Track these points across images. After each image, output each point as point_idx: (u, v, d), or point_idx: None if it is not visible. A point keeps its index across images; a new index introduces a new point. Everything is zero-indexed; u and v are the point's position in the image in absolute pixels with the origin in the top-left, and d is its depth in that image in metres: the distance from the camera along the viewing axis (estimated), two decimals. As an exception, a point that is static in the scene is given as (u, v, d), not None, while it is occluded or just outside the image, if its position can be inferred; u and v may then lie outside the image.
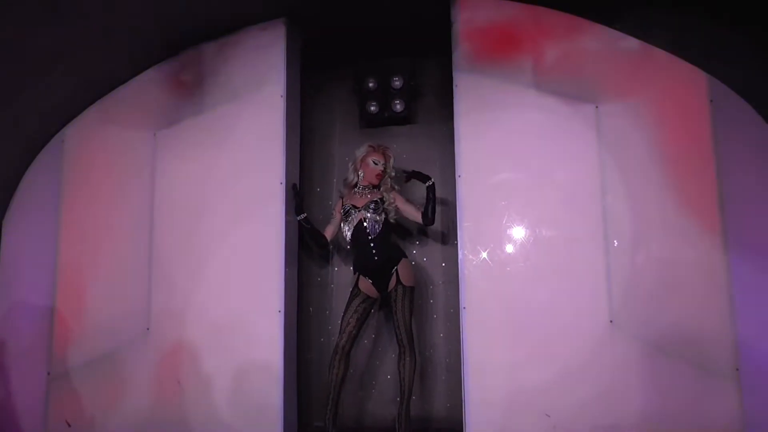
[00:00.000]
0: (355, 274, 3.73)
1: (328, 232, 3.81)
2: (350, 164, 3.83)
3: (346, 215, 3.72)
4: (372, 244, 3.62)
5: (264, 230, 3.62)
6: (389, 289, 3.62)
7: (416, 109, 4.26)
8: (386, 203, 3.69)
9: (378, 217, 3.64)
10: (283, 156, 3.65)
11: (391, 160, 3.81)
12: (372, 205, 3.66)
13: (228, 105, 3.77)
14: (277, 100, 3.68)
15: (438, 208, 3.97)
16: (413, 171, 3.68)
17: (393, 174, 3.82)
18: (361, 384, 4.07)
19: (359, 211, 3.67)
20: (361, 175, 3.77)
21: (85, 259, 3.82)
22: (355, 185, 3.81)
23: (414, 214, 3.69)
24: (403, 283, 3.58)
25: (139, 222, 3.80)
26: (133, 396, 3.63)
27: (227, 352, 3.57)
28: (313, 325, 4.16)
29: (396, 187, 3.82)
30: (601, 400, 3.18)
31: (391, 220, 3.71)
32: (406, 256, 3.68)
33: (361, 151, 3.79)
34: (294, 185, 3.73)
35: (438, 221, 3.97)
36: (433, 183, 3.61)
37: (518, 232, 3.42)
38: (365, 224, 3.64)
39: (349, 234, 3.69)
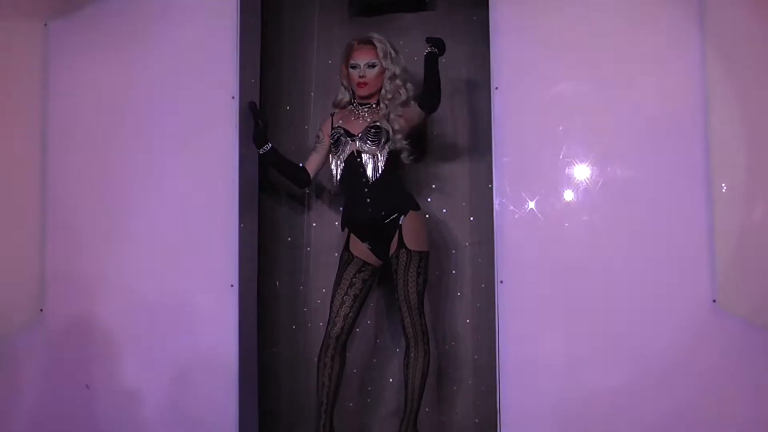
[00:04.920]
0: (343, 230, 3.74)
1: (312, 165, 3.81)
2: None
3: (336, 144, 3.70)
4: (367, 190, 3.63)
5: (209, 167, 3.63)
6: (391, 255, 3.63)
7: (434, -11, 4.20)
8: (391, 131, 3.63)
9: (380, 151, 3.62)
10: (236, 59, 3.63)
11: (385, 53, 3.66)
12: (372, 133, 3.63)
13: (155, -18, 3.77)
14: (227, -27, 3.65)
15: (465, 134, 3.93)
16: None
17: (397, 74, 3.67)
18: (351, 391, 4.08)
19: (353, 140, 3.65)
20: (347, 91, 3.78)
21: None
22: (350, 102, 3.79)
23: (417, 113, 3.63)
24: (408, 245, 3.58)
25: (25, 152, 3.77)
26: (19, 407, 3.63)
27: (158, 345, 3.60)
28: (281, 305, 4.18)
29: (410, 99, 3.70)
30: (696, 409, 3.22)
31: (405, 161, 3.68)
32: (416, 208, 3.67)
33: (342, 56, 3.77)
34: (253, 103, 3.72)
35: (465, 154, 4.04)
36: (436, 52, 3.52)
37: (581, 172, 3.42)
38: (361, 160, 3.63)
39: (339, 172, 3.69)
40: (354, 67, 3.68)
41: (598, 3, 3.45)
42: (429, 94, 3.54)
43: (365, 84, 3.67)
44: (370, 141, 3.63)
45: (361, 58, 3.67)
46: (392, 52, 3.70)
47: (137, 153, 3.70)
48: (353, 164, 3.64)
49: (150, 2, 3.75)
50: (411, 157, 3.69)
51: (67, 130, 3.79)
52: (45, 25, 3.84)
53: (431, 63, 3.51)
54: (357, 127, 3.68)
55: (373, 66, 3.66)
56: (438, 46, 3.53)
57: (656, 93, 3.38)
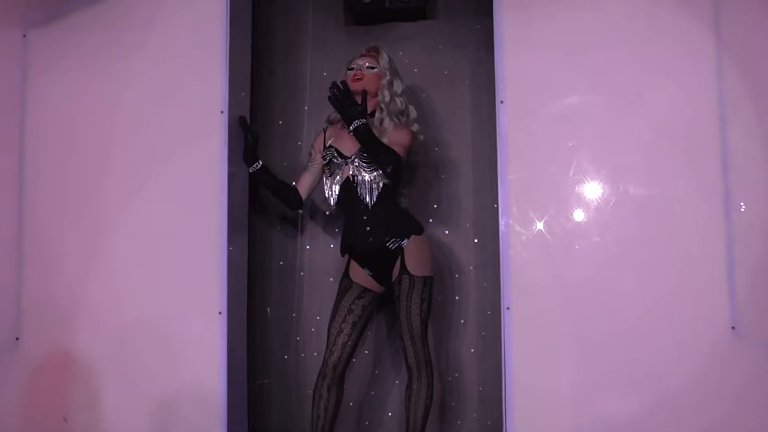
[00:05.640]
0: (343, 256, 3.72)
1: (304, 185, 3.82)
2: None
3: (328, 166, 3.69)
4: (365, 217, 3.60)
5: (196, 186, 3.62)
6: (393, 280, 3.62)
7: (436, -4, 4.24)
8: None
9: (375, 174, 3.60)
10: (224, 71, 3.63)
11: (387, 62, 3.71)
12: (365, 155, 3.60)
13: (140, -11, 3.82)
14: (216, -19, 3.68)
15: (468, 151, 3.90)
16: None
17: (395, 84, 3.70)
18: (347, 426, 4.06)
19: (347, 163, 3.63)
20: None
21: None
22: None
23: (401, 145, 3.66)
24: (410, 271, 3.56)
25: (1, 167, 3.75)
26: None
27: (140, 376, 3.59)
28: (273, 334, 4.17)
29: (398, 117, 3.71)
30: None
31: (384, 181, 3.63)
32: (419, 232, 3.66)
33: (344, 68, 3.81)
34: (243, 118, 3.73)
35: (467, 171, 4.07)
36: (360, 125, 3.51)
37: (592, 190, 3.41)
38: (356, 185, 3.61)
39: (333, 196, 3.67)
40: (352, 69, 3.69)
41: (609, 11, 3.46)
42: (374, 162, 3.58)
43: (359, 78, 3.64)
44: (365, 164, 3.61)
45: (362, 61, 3.69)
46: (396, 68, 3.74)
47: (119, 171, 3.70)
48: (349, 189, 3.64)
49: (134, 12, 3.76)
50: (385, 182, 3.61)
51: (46, 145, 3.79)
52: (24, 35, 3.85)
53: (356, 136, 3.53)
54: (350, 145, 3.67)
55: (371, 68, 3.68)
56: (346, 110, 3.50)
57: (671, 106, 3.39)
